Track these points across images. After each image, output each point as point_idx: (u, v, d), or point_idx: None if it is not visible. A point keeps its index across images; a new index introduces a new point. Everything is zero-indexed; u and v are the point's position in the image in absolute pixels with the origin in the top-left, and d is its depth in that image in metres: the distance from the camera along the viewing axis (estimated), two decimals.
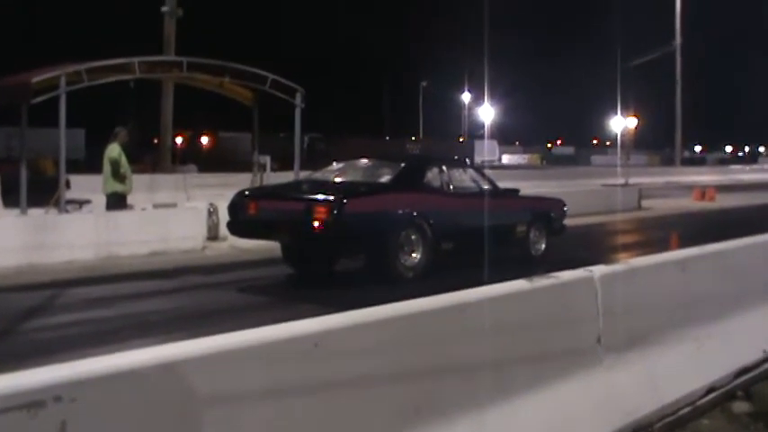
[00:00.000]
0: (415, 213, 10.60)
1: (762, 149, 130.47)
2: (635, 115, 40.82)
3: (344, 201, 9.84)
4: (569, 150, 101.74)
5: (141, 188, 17.55)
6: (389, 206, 10.46)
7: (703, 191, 28.99)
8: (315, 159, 37.14)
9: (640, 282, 5.37)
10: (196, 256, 12.70)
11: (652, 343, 5.22)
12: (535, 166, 75.29)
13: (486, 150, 68.12)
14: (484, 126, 69.18)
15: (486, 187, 12.08)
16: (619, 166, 38.45)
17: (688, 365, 5.41)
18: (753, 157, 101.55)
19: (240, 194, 11.13)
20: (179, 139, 54.63)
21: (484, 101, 68.58)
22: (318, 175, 11.85)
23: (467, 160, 15.28)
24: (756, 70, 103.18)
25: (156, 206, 15.83)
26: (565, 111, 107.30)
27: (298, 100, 15.85)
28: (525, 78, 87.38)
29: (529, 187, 19.92)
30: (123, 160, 13.30)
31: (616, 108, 51.35)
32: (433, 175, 11.40)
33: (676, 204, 26.43)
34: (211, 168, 31.29)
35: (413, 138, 76.29)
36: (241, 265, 12.04)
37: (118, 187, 13.33)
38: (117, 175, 13.27)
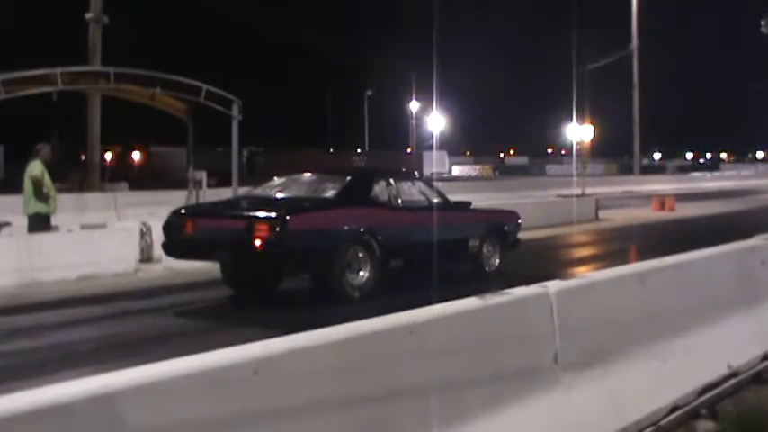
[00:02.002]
0: (362, 229, 10.63)
1: (723, 156, 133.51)
2: (591, 122, 41.44)
3: (287, 217, 9.79)
4: (523, 160, 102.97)
5: (67, 208, 17.30)
6: (335, 222, 10.47)
7: (663, 200, 29.53)
8: (255, 174, 37.04)
9: (598, 297, 5.45)
10: (128, 280, 12.55)
11: (612, 360, 5.30)
12: (487, 177, 76.07)
13: (435, 162, 68.55)
14: (432, 137, 69.65)
15: (436, 201, 12.14)
16: (575, 176, 38.99)
17: (650, 383, 5.49)
18: (714, 165, 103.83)
19: (176, 213, 11.05)
20: (108, 155, 53.94)
21: (432, 110, 69.08)
22: (259, 190, 11.85)
23: (415, 173, 15.22)
24: (719, 75, 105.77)
25: (83, 227, 15.60)
26: (518, 119, 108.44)
27: (235, 111, 15.82)
28: (476, 86, 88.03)
29: (481, 199, 20.01)
30: (46, 179, 13.08)
31: (571, 115, 52.08)
32: (380, 189, 11.41)
33: (635, 215, 26.89)
34: (143, 186, 31.02)
35: (359, 150, 76.43)
36: (177, 288, 11.92)
37: (41, 207, 13.12)
38: (39, 194, 13.05)
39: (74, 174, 31.32)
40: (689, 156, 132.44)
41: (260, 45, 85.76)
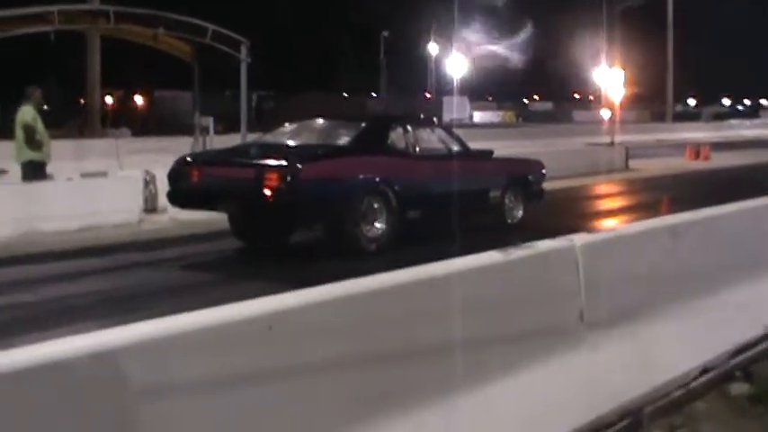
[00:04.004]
0: (377, 179, 10.60)
1: (764, 102, 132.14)
2: (622, 67, 41.04)
3: (299, 165, 9.75)
4: (548, 106, 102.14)
5: (67, 155, 17.33)
6: (349, 171, 10.40)
7: (697, 149, 29.30)
8: (264, 120, 37.02)
9: (626, 251, 5.43)
10: (131, 231, 12.59)
11: (641, 319, 5.30)
12: (510, 123, 75.59)
13: (455, 108, 68.03)
14: (452, 81, 69.07)
15: (455, 149, 12.11)
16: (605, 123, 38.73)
17: (681, 343, 5.48)
18: (753, 111, 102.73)
19: (182, 161, 11.07)
20: (109, 100, 53.96)
21: (452, 53, 68.40)
22: (269, 137, 11.79)
23: (434, 119, 15.53)
24: (758, 18, 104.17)
25: (84, 175, 15.67)
26: (543, 62, 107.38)
27: (243, 53, 15.74)
28: (498, 28, 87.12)
29: (504, 148, 19.92)
30: (39, 124, 12.99)
31: (600, 59, 51.54)
32: (396, 137, 11.36)
33: (668, 164, 26.71)
34: (147, 132, 31.03)
35: (374, 94, 76.12)
36: (183, 240, 11.98)
37: (33, 155, 13.06)
38: (32, 141, 12.96)
39: (74, 119, 31.38)
40: (726, 102, 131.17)
41: None
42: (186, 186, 10.71)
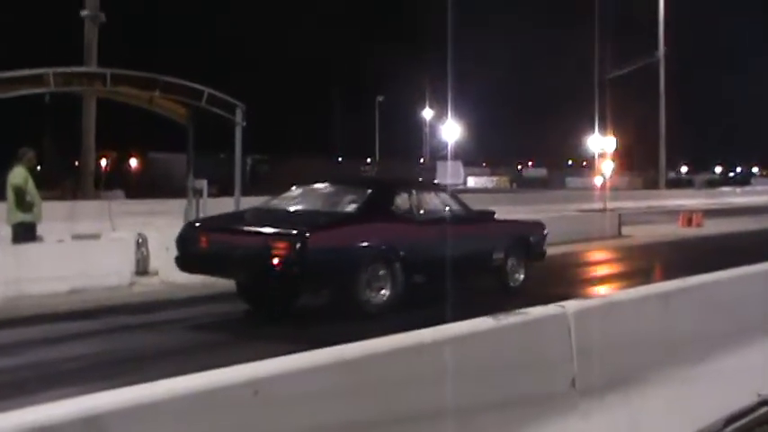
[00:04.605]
0: (383, 246, 10.74)
1: (755, 170, 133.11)
2: (614, 134, 41.47)
3: (306, 235, 9.82)
4: (542, 172, 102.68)
5: (59, 217, 17.36)
6: (355, 239, 10.52)
7: (690, 216, 29.40)
8: (258, 184, 37.12)
9: (619, 318, 5.43)
10: (123, 294, 12.56)
11: (633, 386, 5.28)
12: (504, 189, 75.95)
13: (449, 172, 68.17)
14: (447, 146, 69.56)
15: (459, 212, 12.28)
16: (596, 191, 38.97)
17: (673, 411, 5.46)
18: (744, 179, 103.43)
19: (190, 226, 11.26)
20: (103, 162, 54.19)
21: (447, 118, 69.02)
22: (276, 202, 11.89)
23: (437, 182, 15.25)
24: (749, 84, 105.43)
25: (75, 237, 15.64)
26: (537, 129, 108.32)
27: (238, 117, 15.84)
28: (493, 94, 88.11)
29: (499, 213, 20.06)
30: (30, 186, 12.99)
31: (593, 126, 52.01)
32: (401, 202, 11.51)
33: (660, 231, 26.79)
34: (141, 194, 31.08)
35: (368, 159, 76.52)
36: (174, 303, 11.94)
37: (24, 217, 13.02)
38: (22, 203, 12.95)
39: (67, 180, 31.45)
40: (717, 169, 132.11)
41: (265, 48, 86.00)
42: (194, 252, 10.75)
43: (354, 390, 3.66)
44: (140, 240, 14.07)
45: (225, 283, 11.47)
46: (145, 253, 13.94)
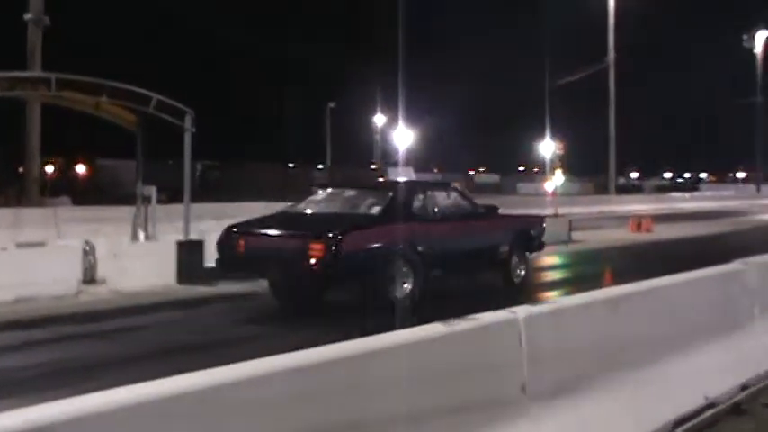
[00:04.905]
0: (405, 245, 11.82)
1: (704, 176, 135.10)
2: (562, 141, 41.92)
3: (339, 238, 10.90)
4: (494, 178, 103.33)
5: (3, 224, 17.11)
6: (382, 240, 11.62)
7: (639, 221, 29.78)
8: (208, 190, 36.89)
9: (569, 323, 5.50)
10: (69, 303, 12.41)
11: (583, 390, 5.35)
12: None
13: (400, 179, 68.03)
14: (398, 152, 69.65)
15: (468, 209, 13.64)
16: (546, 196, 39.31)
17: (622, 414, 5.54)
18: (693, 185, 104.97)
19: (228, 231, 12.04)
20: (49, 168, 53.46)
21: (398, 124, 69.06)
22: (302, 206, 12.98)
23: (449, 183, 17.29)
24: (699, 91, 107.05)
25: (20, 245, 15.41)
26: (489, 136, 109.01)
27: (187, 123, 15.73)
28: (445, 100, 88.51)
29: None
30: None
31: (544, 132, 52.45)
32: (419, 203, 12.69)
33: (610, 236, 27.09)
34: (88, 201, 30.71)
35: (320, 165, 76.34)
36: (122, 312, 11.83)
37: None
38: None
39: (11, 188, 30.99)
40: (667, 175, 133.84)
41: (216, 53, 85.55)
42: (234, 255, 11.79)
43: (305, 397, 3.67)
44: (87, 248, 13.90)
45: (175, 291, 11.41)
46: (92, 261, 13.78)
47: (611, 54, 57.73)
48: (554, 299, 5.59)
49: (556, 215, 28.58)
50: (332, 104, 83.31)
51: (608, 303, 6.04)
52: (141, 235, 15.88)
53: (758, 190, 73.41)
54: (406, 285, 11.73)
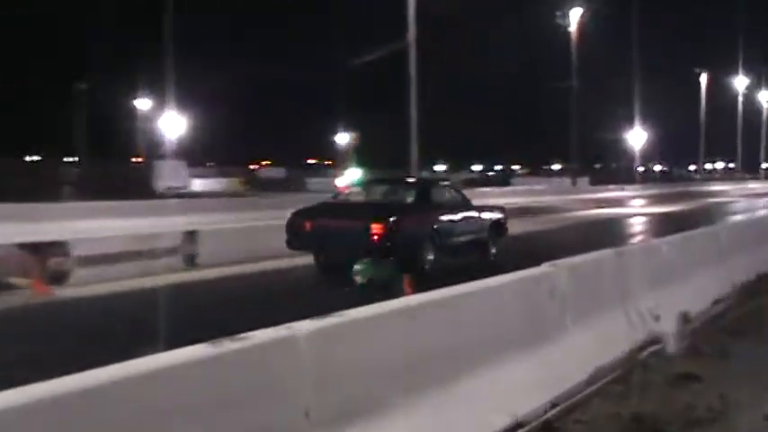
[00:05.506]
0: (433, 227, 17.87)
1: (516, 167, 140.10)
2: (355, 131, 42.44)
3: (392, 219, 16.46)
4: (280, 172, 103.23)
5: None
6: (418, 223, 17.58)
7: None
8: None
9: (360, 338, 5.56)
10: None
11: (378, 413, 5.45)
12: (237, 192, 75.42)
13: (169, 174, 65.89)
14: (167, 143, 67.91)
15: (461, 200, 19.99)
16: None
17: None
18: (505, 178, 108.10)
19: (295, 215, 17.61)
20: None
21: (167, 110, 67.25)
22: (342, 197, 20.19)
23: (448, 180, 25.69)
24: (511, 73, 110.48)
25: None
26: (274, 126, 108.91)
27: None
28: (225, 84, 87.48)
29: (221, 222, 23.07)
30: None
31: (338, 121, 52.83)
32: (435, 195, 19.37)
33: None
34: None
35: (70, 158, 74.01)
36: None
37: None
38: None
39: None
40: (477, 167, 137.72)
41: None
42: (301, 234, 17.15)
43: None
44: None
45: None
46: None
47: (413, 31, 58.28)
48: (341, 311, 5.59)
49: None
50: (82, 85, 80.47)
51: (404, 315, 6.12)
52: None
53: (574, 183, 76.48)
54: (429, 257, 17.44)
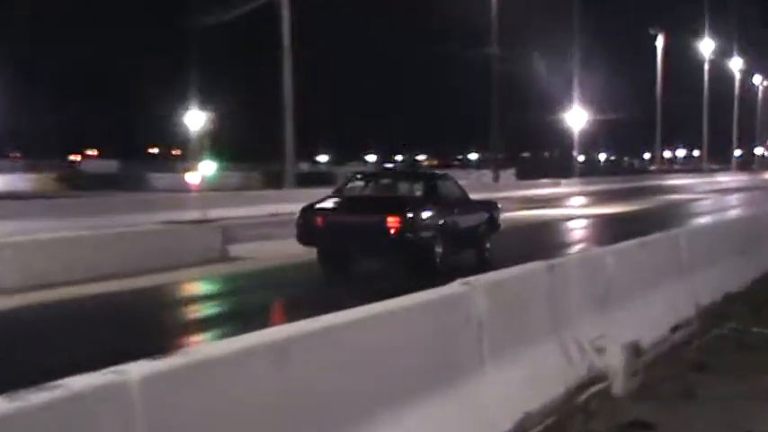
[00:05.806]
0: (442, 220, 21.66)
1: (421, 158, 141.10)
2: (211, 112, 41.99)
3: (408, 213, 20.50)
4: (111, 166, 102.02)
5: None
6: (430, 216, 21.35)
7: None
8: None
9: (213, 383, 5.47)
10: None
11: None
12: (49, 192, 73.86)
13: None
14: None
15: (462, 195, 24.24)
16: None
17: None
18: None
19: (304, 211, 21.77)
20: None
21: None
22: (348, 191, 23.71)
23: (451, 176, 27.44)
24: (414, 37, 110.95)
25: None
26: (103, 107, 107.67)
27: None
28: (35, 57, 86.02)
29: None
30: None
31: (189, 99, 52.29)
32: (441, 188, 23.35)
33: (286, 249, 26.34)
34: None
35: None
36: None
37: None
38: None
39: None
40: (371, 158, 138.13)
41: None
42: (312, 230, 21.27)
43: None
44: None
45: None
46: None
47: None
48: (193, 348, 5.50)
49: (202, 221, 28.57)
50: None
51: (273, 351, 6.01)
52: None
53: (496, 178, 77.28)
54: (438, 249, 21.31)
